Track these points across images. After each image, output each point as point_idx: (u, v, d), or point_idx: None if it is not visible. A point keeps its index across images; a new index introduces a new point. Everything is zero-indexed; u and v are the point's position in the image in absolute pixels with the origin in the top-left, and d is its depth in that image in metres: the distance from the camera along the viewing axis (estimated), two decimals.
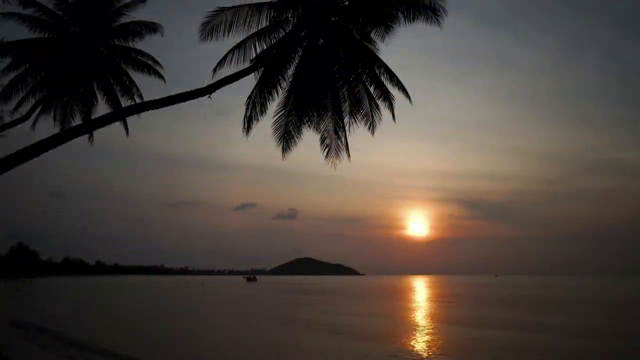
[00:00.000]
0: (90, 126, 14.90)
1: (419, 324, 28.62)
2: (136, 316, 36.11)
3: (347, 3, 14.68)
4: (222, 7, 14.20)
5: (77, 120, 20.22)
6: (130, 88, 20.05)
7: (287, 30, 15.00)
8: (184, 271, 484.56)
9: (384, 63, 15.58)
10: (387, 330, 25.05)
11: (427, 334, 23.53)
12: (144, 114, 16.49)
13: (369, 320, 31.51)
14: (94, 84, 20.09)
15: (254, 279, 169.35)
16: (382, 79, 15.67)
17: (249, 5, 14.19)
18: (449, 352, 18.95)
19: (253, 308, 44.36)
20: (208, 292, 78.98)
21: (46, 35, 18.50)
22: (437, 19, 14.00)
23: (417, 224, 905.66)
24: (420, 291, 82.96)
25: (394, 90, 15.80)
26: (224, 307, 45.98)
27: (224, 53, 15.11)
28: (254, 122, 15.49)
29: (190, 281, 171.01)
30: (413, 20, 14.04)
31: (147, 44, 19.39)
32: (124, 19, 18.89)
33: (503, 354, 18.61)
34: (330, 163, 16.34)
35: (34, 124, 19.82)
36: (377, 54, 15.50)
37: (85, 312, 39.36)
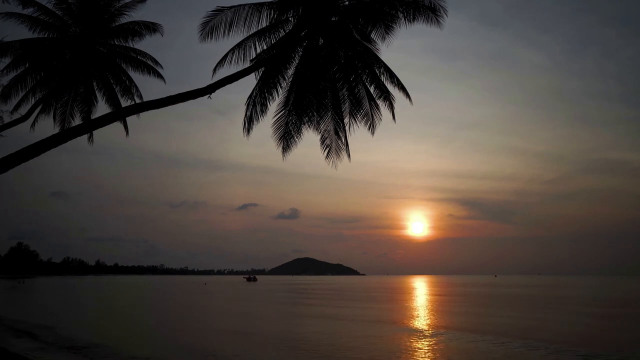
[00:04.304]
0: (90, 126, 14.87)
1: (423, 324, 28.60)
2: (145, 316, 36.09)
3: (347, 3, 14.68)
4: (222, 7, 14.20)
5: (77, 120, 20.25)
6: (130, 88, 20.07)
7: (287, 30, 15.01)
8: (184, 271, 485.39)
9: (384, 63, 15.57)
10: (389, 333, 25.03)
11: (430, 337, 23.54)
12: (144, 114, 16.53)
13: (373, 321, 31.47)
14: (94, 84, 20.11)
15: (254, 279, 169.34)
16: (382, 79, 15.66)
17: (249, 5, 14.20)
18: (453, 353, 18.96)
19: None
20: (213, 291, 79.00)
21: (46, 35, 18.52)
22: (437, 19, 14.00)
23: (417, 224, 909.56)
24: (422, 291, 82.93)
25: (394, 90, 15.81)
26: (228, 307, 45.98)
27: (224, 53, 15.13)
28: (255, 122, 15.50)
29: (190, 281, 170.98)
30: (413, 20, 14.04)
31: (147, 44, 19.44)
32: (124, 19, 18.92)
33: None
34: (330, 163, 16.37)
35: (33, 124, 19.84)
36: (377, 54, 15.51)
37: (81, 311, 39.34)
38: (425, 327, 25.33)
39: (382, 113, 16.06)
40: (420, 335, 22.19)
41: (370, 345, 19.47)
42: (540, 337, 21.51)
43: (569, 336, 22.77)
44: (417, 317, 32.34)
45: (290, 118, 15.71)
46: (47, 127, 19.98)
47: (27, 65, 18.69)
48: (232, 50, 15.10)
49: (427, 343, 20.11)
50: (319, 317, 33.32)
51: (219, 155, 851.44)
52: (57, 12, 18.45)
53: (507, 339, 20.78)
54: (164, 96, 12.74)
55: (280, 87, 15.62)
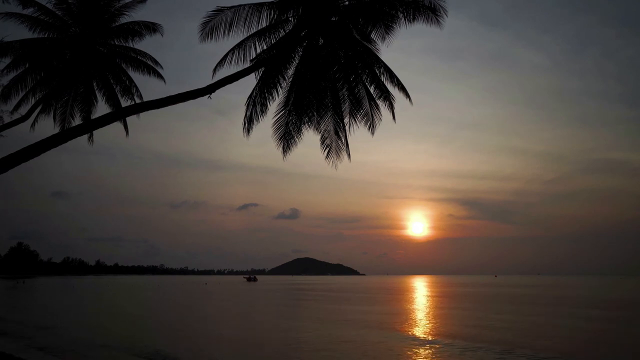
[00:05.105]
0: (90, 126, 14.87)
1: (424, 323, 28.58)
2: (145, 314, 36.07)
3: (347, 3, 14.68)
4: (222, 7, 14.20)
5: (77, 120, 20.24)
6: (130, 88, 20.06)
7: (287, 30, 15.01)
8: (184, 271, 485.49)
9: (384, 63, 15.56)
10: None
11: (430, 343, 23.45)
12: (144, 114, 16.52)
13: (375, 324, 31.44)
14: (94, 84, 20.11)
15: (255, 279, 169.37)
16: (382, 79, 15.65)
17: (249, 5, 14.20)
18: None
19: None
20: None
21: (46, 36, 18.51)
22: (437, 19, 13.99)
23: (417, 224, 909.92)
24: (422, 292, 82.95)
25: (394, 91, 15.80)
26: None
27: (224, 53, 15.13)
28: (255, 122, 15.49)
29: (190, 281, 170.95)
30: (413, 20, 14.03)
31: (147, 44, 19.42)
32: (124, 19, 18.91)
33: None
34: (330, 163, 16.35)
35: (33, 124, 19.83)
36: (377, 54, 15.50)
37: (85, 312, 39.33)
38: (424, 334, 24.32)
39: (382, 113, 16.05)
40: (417, 344, 21.40)
41: (368, 353, 19.07)
42: (539, 346, 20.69)
43: (569, 343, 22.16)
44: (416, 320, 32.19)
45: (291, 118, 15.71)
46: (47, 127, 19.99)
47: (27, 65, 18.69)
48: (232, 50, 15.10)
49: (425, 352, 19.32)
50: (317, 320, 33.29)
51: (219, 155, 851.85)
52: (57, 12, 18.44)
53: (503, 347, 19.94)
54: (164, 96, 12.74)
55: (280, 87, 15.61)
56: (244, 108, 15.42)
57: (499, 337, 22.99)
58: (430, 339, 22.46)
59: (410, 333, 24.59)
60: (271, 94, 15.50)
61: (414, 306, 45.10)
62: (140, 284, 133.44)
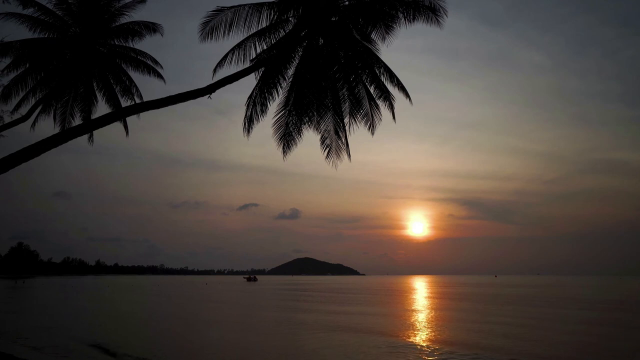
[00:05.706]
0: (90, 126, 14.87)
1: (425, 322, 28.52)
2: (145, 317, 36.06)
3: (347, 3, 14.69)
4: (222, 7, 14.22)
5: (77, 120, 20.28)
6: (130, 88, 20.08)
7: (287, 30, 15.02)
8: (184, 271, 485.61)
9: (384, 63, 15.58)
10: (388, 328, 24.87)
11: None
12: (144, 114, 16.55)
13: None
14: (94, 84, 20.12)
15: (255, 280, 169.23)
16: (382, 79, 15.66)
17: (249, 5, 14.21)
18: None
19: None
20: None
21: (46, 35, 18.54)
22: (437, 19, 14.01)
23: (417, 224, 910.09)
24: (424, 292, 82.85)
25: (394, 91, 15.82)
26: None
27: (224, 53, 15.15)
28: (255, 122, 15.52)
29: (190, 281, 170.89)
30: (413, 20, 14.05)
31: (147, 44, 19.45)
32: (124, 19, 18.95)
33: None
34: (330, 163, 16.37)
35: (34, 124, 19.86)
36: (377, 54, 15.51)
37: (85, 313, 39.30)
38: (424, 337, 23.41)
39: (382, 113, 16.08)
40: (417, 348, 20.64)
41: (368, 356, 18.72)
42: (539, 351, 19.95)
43: (569, 347, 21.39)
44: (416, 323, 32.03)
45: (291, 118, 15.72)
46: (47, 127, 20.04)
47: (27, 66, 18.71)
48: (232, 50, 15.11)
49: (424, 357, 18.44)
50: (317, 321, 33.26)
51: (219, 155, 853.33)
52: (57, 12, 18.47)
53: (504, 352, 18.92)
54: (164, 96, 12.75)
55: (280, 87, 15.63)
56: (244, 108, 15.46)
57: (500, 341, 22.80)
58: (429, 343, 22.35)
59: (410, 336, 24.50)
60: (271, 94, 15.51)
61: (414, 307, 45.04)
62: (140, 284, 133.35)
